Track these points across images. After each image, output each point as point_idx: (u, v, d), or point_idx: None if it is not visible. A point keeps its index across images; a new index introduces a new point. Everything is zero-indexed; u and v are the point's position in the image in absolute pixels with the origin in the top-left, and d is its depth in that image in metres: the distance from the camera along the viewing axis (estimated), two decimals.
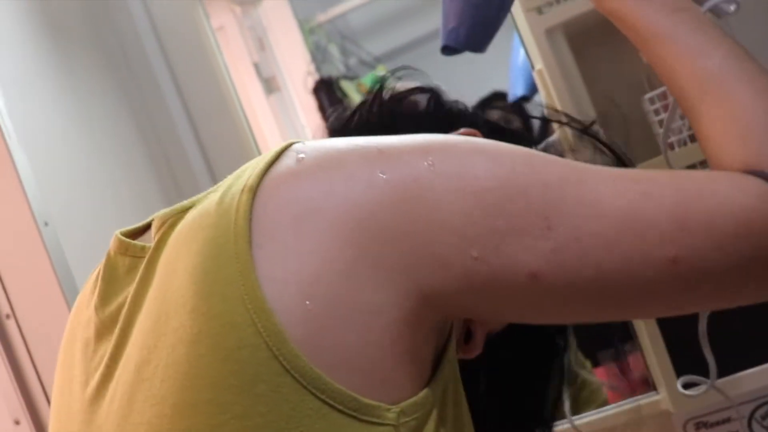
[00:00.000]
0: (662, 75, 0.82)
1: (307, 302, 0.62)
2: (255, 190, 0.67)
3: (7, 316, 1.45)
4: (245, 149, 1.87)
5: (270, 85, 2.79)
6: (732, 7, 0.88)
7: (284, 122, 2.76)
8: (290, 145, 0.72)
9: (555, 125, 1.31)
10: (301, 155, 0.69)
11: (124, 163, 1.80)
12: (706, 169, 0.72)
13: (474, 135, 0.93)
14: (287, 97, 2.82)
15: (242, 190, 0.67)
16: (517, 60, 1.67)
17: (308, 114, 2.82)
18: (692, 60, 0.78)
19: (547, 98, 1.32)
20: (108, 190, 1.71)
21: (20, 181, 1.42)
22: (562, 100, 1.28)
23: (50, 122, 1.62)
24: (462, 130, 0.93)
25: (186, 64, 1.89)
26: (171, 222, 0.72)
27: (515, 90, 1.68)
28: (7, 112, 1.45)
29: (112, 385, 0.70)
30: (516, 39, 1.68)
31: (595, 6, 0.87)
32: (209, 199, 0.71)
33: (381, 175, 0.65)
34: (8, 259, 1.45)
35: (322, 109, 2.79)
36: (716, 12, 0.88)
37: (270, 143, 2.54)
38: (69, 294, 1.42)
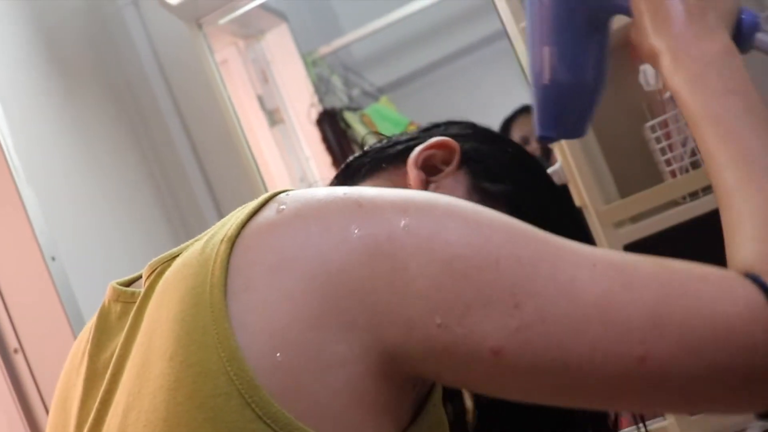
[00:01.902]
0: (705, 160, 0.77)
1: (277, 353, 0.62)
2: (234, 240, 0.67)
3: (15, 351, 1.46)
4: (250, 182, 1.88)
5: (274, 117, 2.81)
6: None
7: (288, 154, 2.77)
8: (275, 194, 0.72)
9: (558, 154, 1.32)
10: (282, 206, 0.69)
11: (129, 197, 1.81)
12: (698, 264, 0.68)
13: (446, 144, 0.90)
14: (291, 129, 2.83)
15: (222, 240, 0.68)
16: None
17: (312, 145, 2.83)
18: (734, 145, 0.75)
19: None
20: (114, 224, 1.72)
21: (28, 217, 1.43)
22: None
23: (57, 159, 1.63)
24: (433, 140, 0.90)
25: (190, 98, 1.90)
26: (159, 270, 0.73)
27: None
28: (14, 149, 1.47)
29: (104, 430, 0.71)
30: None
31: (665, 83, 0.85)
32: (194, 248, 0.72)
33: (356, 230, 0.65)
34: (16, 294, 1.46)
35: (325, 140, 2.80)
36: None
37: (274, 175, 2.55)
38: (77, 328, 1.43)
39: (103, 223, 1.68)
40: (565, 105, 0.93)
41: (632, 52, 0.89)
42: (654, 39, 0.84)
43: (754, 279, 0.64)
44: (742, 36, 0.85)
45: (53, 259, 1.45)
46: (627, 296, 0.62)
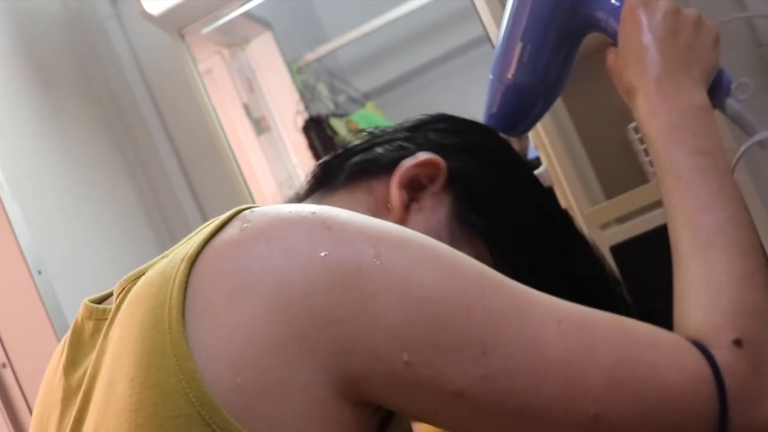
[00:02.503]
0: (666, 208, 0.80)
1: (238, 378, 0.61)
2: (194, 259, 0.66)
3: (3, 365, 1.46)
4: (236, 191, 1.88)
5: (260, 126, 2.81)
6: None
7: (275, 161, 2.77)
8: (239, 211, 0.70)
9: (543, 157, 1.32)
10: (246, 224, 0.67)
11: (115, 209, 1.81)
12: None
13: (432, 162, 0.87)
14: (277, 137, 2.83)
15: (182, 260, 0.66)
16: None
17: (299, 153, 2.83)
18: (695, 210, 0.76)
19: (534, 134, 1.33)
20: (100, 236, 1.72)
21: (13, 231, 1.43)
22: (548, 133, 1.29)
23: (42, 172, 1.63)
24: (420, 158, 0.87)
25: (175, 109, 1.90)
26: (127, 288, 0.72)
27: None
28: None
29: None
30: None
31: (637, 123, 0.85)
32: (158, 266, 0.71)
33: (322, 254, 0.64)
34: (3, 308, 1.46)
35: (312, 147, 2.80)
36: (763, 145, 0.88)
37: (261, 183, 2.55)
38: None
39: (89, 235, 1.68)
40: (520, 103, 0.95)
41: (607, 71, 0.90)
42: (635, 77, 0.85)
43: (702, 349, 0.67)
44: (715, 96, 0.87)
45: (39, 272, 1.44)
46: (587, 357, 0.65)
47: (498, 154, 0.94)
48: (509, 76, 0.93)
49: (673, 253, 0.77)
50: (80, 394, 0.73)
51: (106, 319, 0.74)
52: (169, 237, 1.87)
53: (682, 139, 0.80)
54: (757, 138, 0.89)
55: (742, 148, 0.90)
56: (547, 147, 1.31)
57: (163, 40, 1.94)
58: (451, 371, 0.63)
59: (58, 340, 1.41)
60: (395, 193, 0.85)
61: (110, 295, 0.81)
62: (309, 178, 0.97)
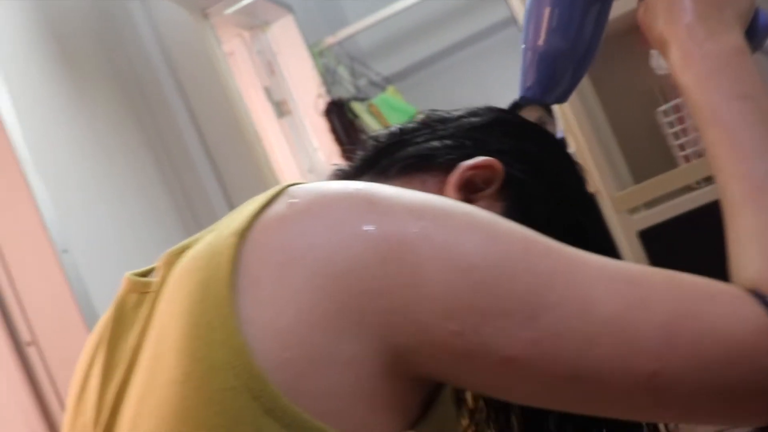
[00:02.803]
0: (709, 157, 0.77)
1: (286, 351, 0.62)
2: (243, 234, 0.66)
3: (29, 344, 1.46)
4: (259, 172, 1.87)
5: (281, 109, 2.80)
6: None
7: (296, 145, 2.77)
8: (286, 187, 0.71)
9: (571, 141, 1.31)
10: (293, 200, 0.68)
11: (139, 188, 1.81)
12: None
13: (490, 165, 0.88)
14: (298, 120, 2.83)
15: (231, 234, 0.67)
16: None
17: (320, 136, 2.82)
18: (743, 156, 0.74)
19: (561, 115, 1.32)
20: (125, 216, 1.72)
21: (39, 210, 1.43)
22: (577, 117, 1.28)
23: (67, 151, 1.63)
24: (478, 160, 0.88)
25: (198, 89, 1.90)
26: (172, 262, 0.72)
27: None
28: (24, 142, 1.46)
29: (119, 421, 0.72)
30: None
31: (673, 75, 0.83)
32: (204, 240, 0.71)
33: (367, 228, 0.64)
34: (29, 287, 1.46)
35: (333, 130, 2.80)
36: None
37: (282, 166, 2.55)
38: (89, 320, 1.42)
39: (113, 214, 1.68)
40: (555, 69, 0.93)
41: (641, 38, 0.89)
42: (666, 26, 0.82)
43: (761, 298, 0.65)
44: (753, 38, 0.85)
45: (65, 251, 1.45)
46: (640, 314, 0.63)
47: (555, 164, 0.95)
48: (540, 43, 0.92)
49: (723, 203, 0.74)
50: (123, 366, 0.73)
51: (149, 292, 0.74)
52: (192, 217, 1.87)
53: (719, 85, 0.78)
54: None
55: None
56: (576, 131, 1.30)
57: (186, 20, 1.94)
58: (499, 337, 0.63)
59: (83, 319, 1.42)
60: (451, 194, 0.85)
61: (152, 269, 0.81)
62: (358, 157, 0.98)
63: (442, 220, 0.67)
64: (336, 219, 0.66)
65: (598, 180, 1.29)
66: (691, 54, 0.80)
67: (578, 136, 1.29)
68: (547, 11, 0.91)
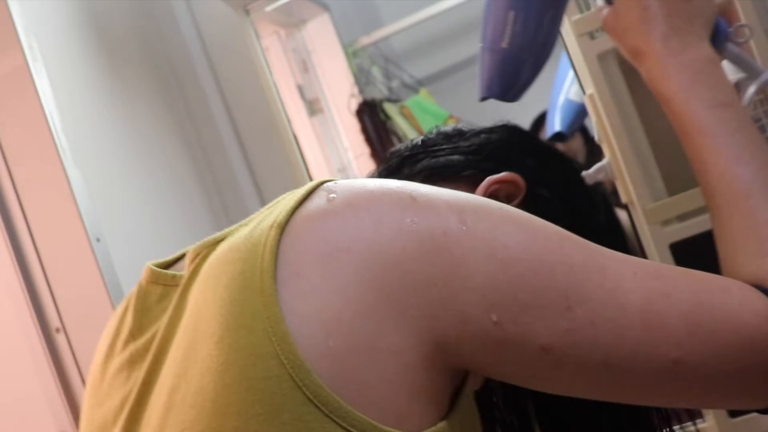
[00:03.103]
0: (695, 168, 0.82)
1: (330, 341, 0.63)
2: (284, 226, 0.68)
3: (57, 330, 1.48)
4: (293, 169, 1.88)
5: (313, 107, 2.81)
6: None
7: (327, 144, 2.77)
8: (322, 183, 0.73)
9: (606, 150, 1.31)
10: (332, 195, 0.70)
11: (173, 181, 1.82)
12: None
13: (514, 181, 0.94)
14: (330, 119, 2.84)
15: (271, 226, 0.68)
16: (557, 97, 1.67)
17: (351, 136, 2.83)
18: (726, 163, 0.78)
19: (598, 124, 1.32)
20: (158, 208, 1.73)
21: (74, 198, 1.45)
22: (613, 126, 1.27)
23: (104, 141, 1.65)
24: (504, 174, 0.94)
25: (235, 84, 1.91)
26: (204, 254, 0.74)
27: (551, 125, 1.67)
28: (62, 130, 1.48)
29: (148, 411, 0.72)
30: (558, 75, 1.68)
31: (648, 84, 0.86)
32: (240, 233, 0.72)
33: (410, 223, 0.66)
34: (60, 274, 1.48)
35: (365, 131, 2.80)
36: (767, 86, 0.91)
37: (312, 165, 2.56)
38: None
39: (147, 206, 1.70)
40: (516, 70, 0.97)
41: (605, 30, 0.92)
42: (640, 37, 0.85)
43: (763, 290, 0.70)
44: (715, 44, 0.87)
45: (98, 240, 1.46)
46: (665, 304, 0.67)
47: (572, 187, 1.03)
48: (503, 45, 0.96)
49: (710, 208, 0.79)
50: (150, 356, 0.74)
51: (176, 285, 0.75)
52: (223, 210, 1.88)
53: (698, 95, 0.81)
54: (763, 78, 0.89)
55: (751, 90, 0.91)
56: (612, 140, 1.29)
57: (227, 15, 1.95)
58: (537, 327, 0.66)
59: (113, 307, 1.43)
60: None
61: (174, 260, 0.82)
62: (382, 167, 1.01)
63: (482, 214, 0.69)
64: (380, 213, 0.67)
65: (631, 190, 1.28)
66: (668, 65, 0.83)
67: (613, 145, 1.29)
68: (509, 14, 0.95)
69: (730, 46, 0.91)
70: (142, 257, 0.84)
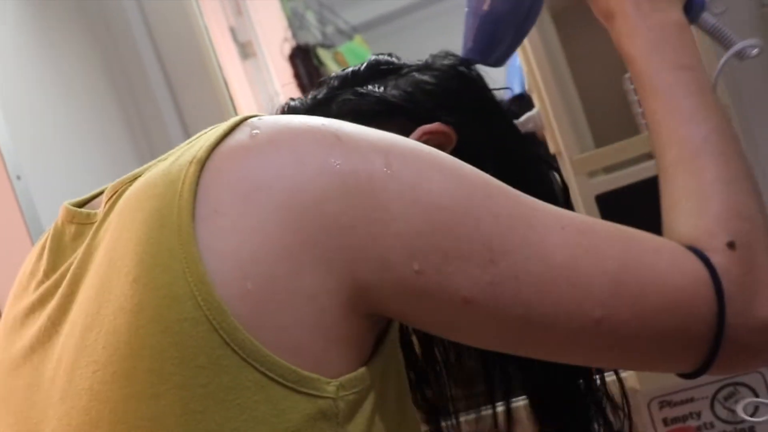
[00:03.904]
0: (650, 127, 0.82)
1: (248, 282, 0.61)
2: (203, 162, 0.65)
3: None
4: (222, 113, 1.85)
5: (246, 50, 2.77)
6: (755, 51, 0.90)
7: (258, 87, 2.74)
8: (247, 118, 0.70)
9: (536, 100, 1.31)
10: (255, 131, 0.67)
11: (98, 120, 1.78)
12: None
13: (445, 133, 0.92)
14: (263, 63, 2.80)
15: (191, 162, 0.65)
16: (516, 58, 1.67)
17: (283, 80, 2.80)
18: (679, 123, 0.78)
19: (528, 73, 1.32)
20: (81, 147, 1.70)
21: None
22: (544, 76, 1.28)
23: (24, 77, 1.60)
24: (436, 125, 0.92)
25: (165, 24, 1.87)
26: (121, 191, 0.71)
27: (511, 87, 1.67)
28: None
29: (58, 350, 0.70)
30: None
31: (615, 45, 0.87)
32: (158, 168, 0.70)
33: (334, 163, 0.64)
34: None
35: (297, 76, 2.78)
36: (740, 56, 0.91)
37: (243, 109, 2.52)
38: None
39: (70, 144, 1.66)
40: (496, 33, 0.98)
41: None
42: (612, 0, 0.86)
43: (698, 253, 0.69)
44: (689, 13, 0.88)
45: (18, 177, 1.42)
46: (591, 261, 0.66)
47: (509, 144, 1.01)
48: (485, 7, 0.96)
49: (659, 167, 0.79)
50: (58, 295, 0.71)
51: (92, 223, 0.72)
52: (149, 151, 1.85)
53: (662, 57, 0.82)
54: (735, 49, 0.91)
55: (723, 59, 0.92)
56: (542, 90, 1.30)
57: None
58: (460, 278, 0.64)
59: (33, 245, 1.40)
60: None
61: (91, 198, 0.79)
62: (309, 97, 0.99)
63: (409, 158, 0.68)
64: (303, 152, 0.66)
65: (559, 141, 1.29)
66: (637, 26, 0.83)
67: (543, 95, 1.29)
68: None
69: (707, 16, 0.92)
70: (65, 196, 0.82)
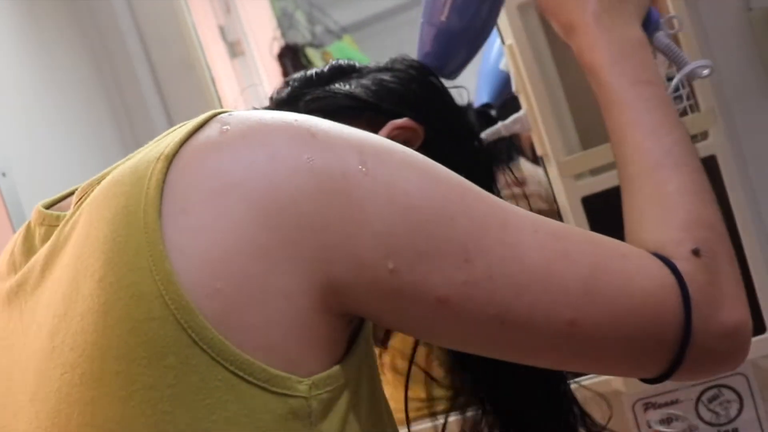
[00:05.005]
0: (612, 139, 0.84)
1: (217, 282, 0.60)
2: (171, 158, 0.64)
3: None
4: (208, 105, 1.85)
5: (234, 49, 2.76)
6: (705, 72, 0.93)
7: (247, 86, 2.73)
8: (216, 114, 0.69)
9: (523, 101, 1.31)
10: (226, 126, 0.66)
11: (85, 118, 1.77)
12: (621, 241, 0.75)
13: (413, 128, 0.95)
14: (251, 62, 2.79)
15: (158, 158, 0.64)
16: (486, 66, 1.67)
17: (272, 80, 2.79)
18: (642, 136, 0.80)
19: (516, 75, 1.32)
20: (68, 144, 1.69)
21: None
22: (531, 77, 1.28)
23: (9, 72, 1.59)
24: (405, 120, 0.95)
25: (154, 21, 1.86)
26: (90, 192, 0.70)
27: (480, 96, 1.67)
28: None
29: (25, 353, 0.69)
30: (487, 45, 1.67)
31: (577, 57, 0.88)
32: (125, 166, 0.69)
33: (308, 160, 0.64)
34: None
35: (286, 75, 2.77)
36: (691, 77, 0.95)
37: (232, 107, 2.52)
38: None
39: (55, 141, 1.65)
40: (451, 45, 1.01)
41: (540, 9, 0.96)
42: (574, 13, 0.88)
43: (664, 260, 0.71)
44: (645, 30, 0.91)
45: (3, 174, 1.42)
46: (564, 265, 0.67)
47: (468, 141, 1.06)
48: (442, 19, 0.99)
49: (622, 177, 0.82)
50: (24, 296, 0.70)
51: (59, 225, 0.71)
52: (137, 148, 1.83)
53: (622, 71, 0.84)
54: (686, 69, 0.94)
55: (675, 79, 0.96)
56: (529, 91, 1.30)
57: None
58: (434, 278, 0.65)
59: None
60: None
61: (61, 199, 0.79)
62: (274, 100, 0.99)
63: (384, 157, 0.68)
64: (275, 148, 0.65)
65: (546, 143, 1.30)
66: (598, 40, 0.86)
67: (530, 96, 1.30)
68: None
69: (660, 36, 0.94)
70: (51, 194, 0.81)
